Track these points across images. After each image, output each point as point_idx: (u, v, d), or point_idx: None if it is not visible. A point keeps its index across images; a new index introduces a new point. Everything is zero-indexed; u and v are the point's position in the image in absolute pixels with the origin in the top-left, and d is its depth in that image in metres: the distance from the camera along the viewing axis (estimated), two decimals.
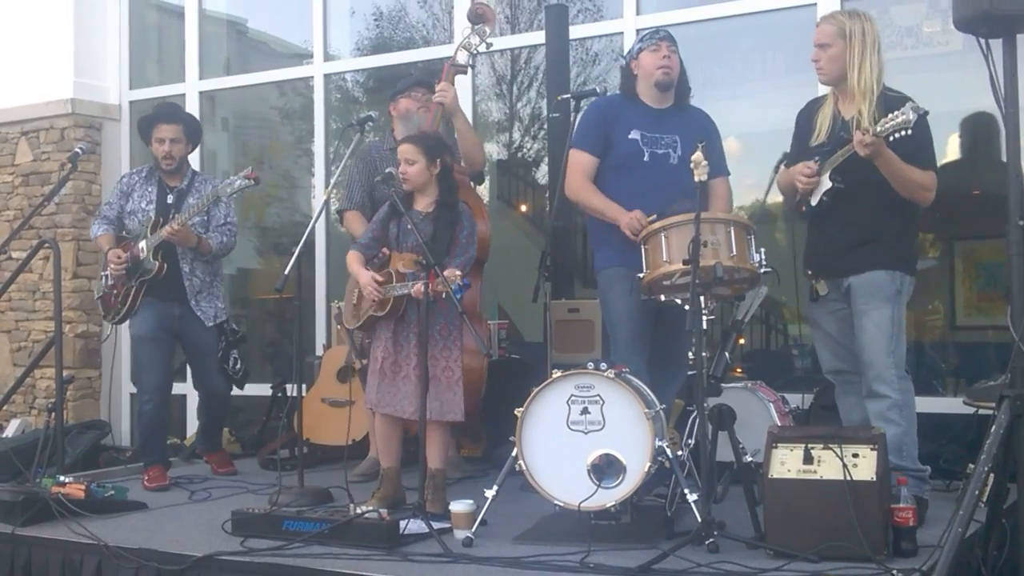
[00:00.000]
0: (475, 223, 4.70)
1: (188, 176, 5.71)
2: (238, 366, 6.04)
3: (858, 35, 4.26)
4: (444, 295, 4.24)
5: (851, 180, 4.21)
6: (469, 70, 5.67)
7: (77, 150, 5.59)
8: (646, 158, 4.65)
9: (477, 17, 5.50)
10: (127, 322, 5.72)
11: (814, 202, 4.32)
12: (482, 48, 5.51)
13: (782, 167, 4.56)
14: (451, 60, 5.51)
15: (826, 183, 4.25)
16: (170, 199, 5.62)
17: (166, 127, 5.64)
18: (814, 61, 4.41)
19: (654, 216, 4.33)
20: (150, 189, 5.65)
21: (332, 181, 5.41)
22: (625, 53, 4.90)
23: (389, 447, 4.66)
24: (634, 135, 4.66)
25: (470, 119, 6.75)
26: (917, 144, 4.15)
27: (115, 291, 5.59)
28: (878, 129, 4.00)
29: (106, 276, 5.64)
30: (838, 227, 4.32)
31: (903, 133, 3.98)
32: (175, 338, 5.68)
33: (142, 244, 5.48)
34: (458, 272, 4.21)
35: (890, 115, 3.99)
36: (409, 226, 4.49)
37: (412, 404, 4.45)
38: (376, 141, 5.60)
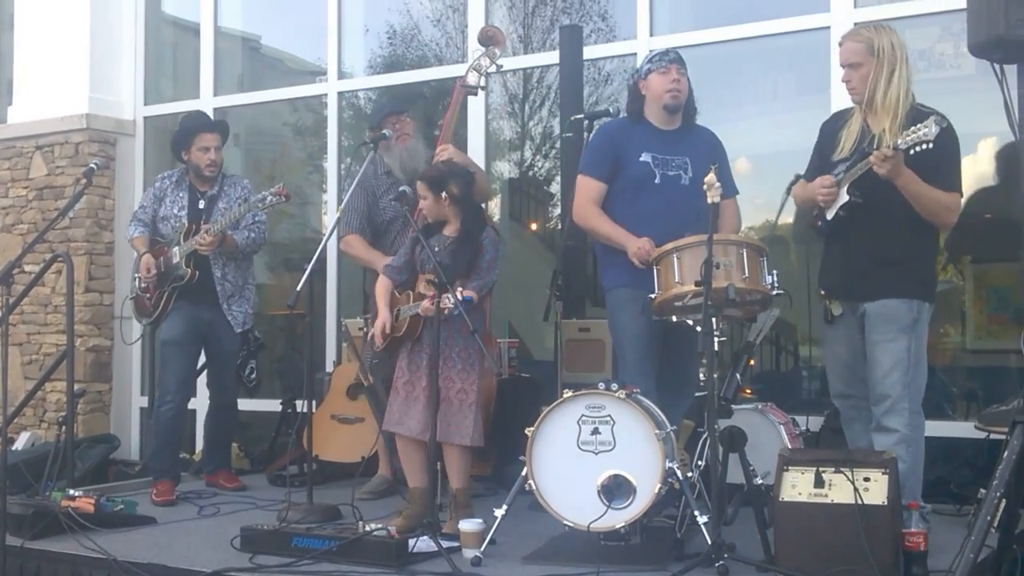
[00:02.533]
0: (500, 250, 4.72)
1: (218, 181, 5.83)
2: (253, 375, 6.17)
3: (887, 50, 4.16)
4: (450, 313, 4.26)
5: (870, 196, 4.10)
6: (480, 91, 5.68)
7: (92, 165, 5.65)
8: (657, 180, 4.64)
9: (487, 39, 5.54)
10: (139, 333, 5.78)
11: (830, 216, 4.22)
12: (492, 69, 5.55)
13: (801, 180, 4.45)
14: (461, 81, 5.55)
15: (843, 196, 4.15)
16: (201, 204, 5.76)
17: (210, 136, 5.78)
18: (845, 82, 4.30)
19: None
20: (181, 195, 5.79)
21: (345, 199, 5.44)
22: (633, 73, 4.87)
23: (413, 467, 4.66)
24: (645, 158, 4.65)
25: (482, 138, 6.81)
26: (938, 162, 4.05)
27: (148, 295, 5.72)
28: (898, 142, 3.90)
29: (139, 278, 5.77)
30: (854, 245, 4.23)
31: (924, 147, 3.87)
32: (202, 342, 5.78)
33: (175, 250, 5.62)
34: (460, 289, 4.27)
35: (912, 128, 3.89)
36: (437, 248, 4.56)
37: (420, 424, 4.50)
38: (371, 166, 5.64)
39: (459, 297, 4.23)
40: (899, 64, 4.17)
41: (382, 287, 4.73)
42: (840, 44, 4.38)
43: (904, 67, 4.18)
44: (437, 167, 4.78)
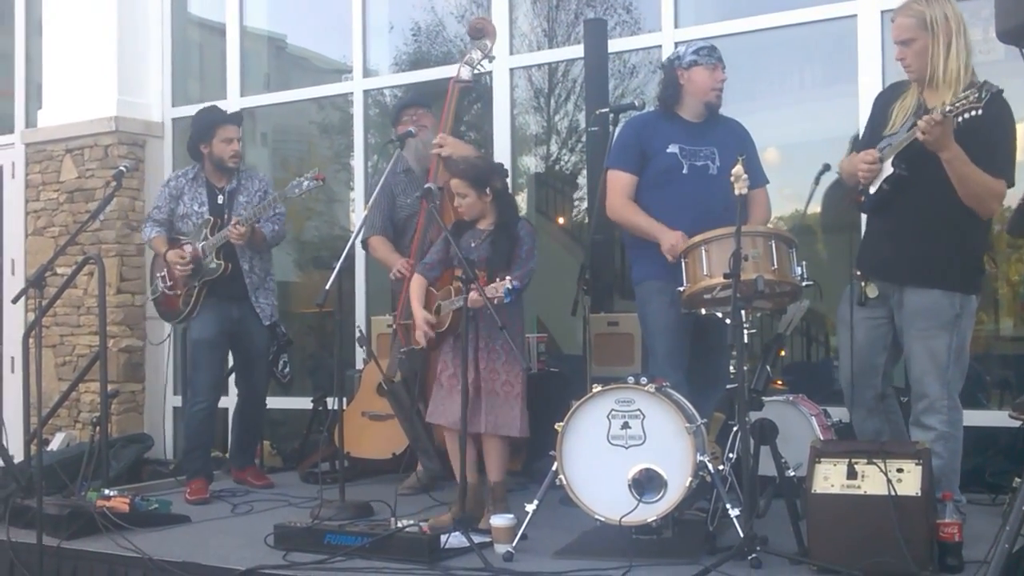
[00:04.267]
0: (535, 240, 4.72)
1: (235, 175, 5.83)
2: (286, 370, 6.23)
3: (941, 22, 3.97)
4: (500, 301, 4.24)
5: (916, 170, 3.94)
6: (474, 85, 5.64)
7: (122, 168, 5.67)
8: (685, 171, 4.64)
9: (477, 32, 5.51)
10: (165, 332, 5.78)
11: (873, 190, 4.08)
12: (485, 63, 5.51)
13: (852, 153, 4.33)
14: (454, 78, 5.52)
15: (887, 169, 4.00)
16: (220, 199, 5.77)
17: (232, 128, 5.79)
18: (899, 59, 4.15)
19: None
20: (200, 191, 5.79)
21: (373, 196, 5.45)
22: (673, 57, 4.78)
23: (470, 462, 4.62)
24: (672, 149, 4.65)
25: (508, 133, 6.81)
26: (990, 144, 3.89)
27: (176, 292, 5.71)
28: (947, 108, 3.70)
29: (163, 277, 5.77)
30: (897, 223, 4.09)
31: (973, 113, 3.68)
32: (231, 341, 5.80)
33: (201, 245, 5.62)
34: (508, 277, 4.26)
35: (962, 93, 3.70)
36: (473, 244, 4.58)
37: (489, 417, 4.51)
38: (392, 165, 5.64)
39: (509, 286, 4.21)
40: (956, 35, 3.98)
41: (417, 286, 4.72)
42: (892, 20, 4.21)
43: (961, 37, 3.99)
44: (475, 164, 4.76)
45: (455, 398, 4.49)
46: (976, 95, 3.65)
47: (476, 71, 5.49)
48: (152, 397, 7.62)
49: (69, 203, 7.75)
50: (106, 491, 4.92)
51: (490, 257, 4.51)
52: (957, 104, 3.70)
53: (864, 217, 4.49)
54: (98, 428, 5.57)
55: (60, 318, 7.60)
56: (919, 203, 4.03)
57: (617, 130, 4.95)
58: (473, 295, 4.31)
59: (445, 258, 4.71)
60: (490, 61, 5.57)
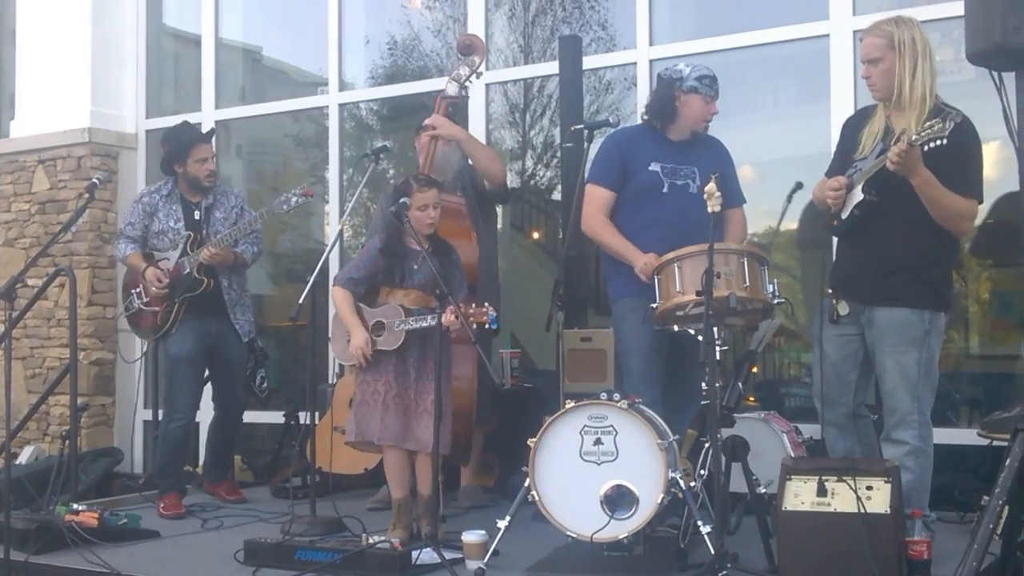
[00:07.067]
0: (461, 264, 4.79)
1: (211, 190, 5.80)
2: (264, 385, 6.19)
3: (908, 44, 4.05)
4: (475, 325, 4.28)
5: (885, 195, 4.02)
6: (461, 100, 5.66)
7: (95, 180, 5.65)
8: (665, 189, 4.65)
9: (465, 48, 5.53)
10: (140, 349, 5.73)
11: (844, 215, 4.15)
12: (473, 79, 5.53)
13: (822, 178, 4.38)
14: (441, 93, 5.54)
15: (858, 195, 4.07)
16: (197, 215, 5.73)
17: (207, 147, 5.78)
18: (865, 78, 4.22)
19: None
20: (174, 207, 5.74)
21: (347, 209, 5.45)
22: (675, 76, 4.68)
23: (402, 478, 4.67)
24: (654, 167, 4.65)
25: None
26: (958, 166, 3.96)
27: (153, 308, 5.66)
28: (912, 137, 3.79)
29: (139, 293, 5.71)
30: (867, 246, 4.15)
31: (939, 143, 3.78)
32: (209, 356, 5.76)
33: (184, 261, 5.59)
34: (485, 305, 4.29)
35: (927, 123, 3.79)
36: (415, 266, 4.59)
37: (425, 436, 4.49)
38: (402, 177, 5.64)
39: (493, 313, 4.26)
40: (922, 58, 4.06)
41: (348, 301, 4.65)
42: (861, 39, 4.29)
43: (927, 61, 4.07)
44: (425, 175, 4.77)
45: (408, 420, 4.53)
46: (941, 125, 3.73)
47: (463, 87, 5.49)
48: (122, 411, 7.56)
49: (41, 214, 7.70)
50: (75, 505, 4.88)
51: (435, 280, 4.45)
52: (923, 133, 3.77)
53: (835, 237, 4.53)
54: (67, 442, 5.53)
55: (30, 330, 7.54)
56: (888, 225, 4.10)
57: (599, 144, 4.96)
58: (449, 317, 4.31)
59: (374, 274, 4.66)
60: (478, 77, 5.58)
